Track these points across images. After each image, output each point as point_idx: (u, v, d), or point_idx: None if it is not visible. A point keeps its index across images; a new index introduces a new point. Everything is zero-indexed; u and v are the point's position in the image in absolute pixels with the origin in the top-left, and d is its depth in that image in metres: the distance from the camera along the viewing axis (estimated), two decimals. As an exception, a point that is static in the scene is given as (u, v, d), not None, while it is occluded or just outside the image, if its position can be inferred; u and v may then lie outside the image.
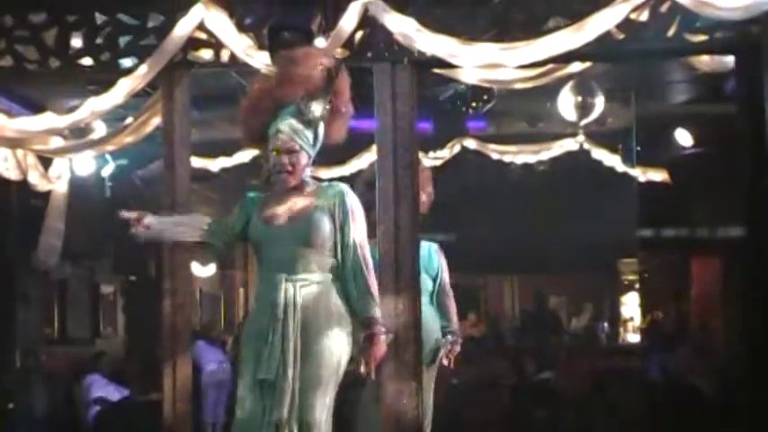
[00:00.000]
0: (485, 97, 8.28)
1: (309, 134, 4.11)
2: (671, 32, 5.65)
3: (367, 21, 5.87)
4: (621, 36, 5.70)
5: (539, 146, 9.64)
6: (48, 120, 6.58)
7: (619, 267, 13.86)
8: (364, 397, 5.71)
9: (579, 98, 8.39)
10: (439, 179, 6.11)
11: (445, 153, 9.29)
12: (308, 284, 4.05)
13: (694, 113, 9.18)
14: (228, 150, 8.94)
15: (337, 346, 4.04)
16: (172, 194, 6.06)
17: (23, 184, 7.45)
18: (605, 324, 14.00)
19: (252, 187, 4.41)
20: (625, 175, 9.57)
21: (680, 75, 8.36)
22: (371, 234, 4.93)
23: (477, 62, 5.85)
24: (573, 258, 11.30)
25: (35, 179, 7.39)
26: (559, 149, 9.50)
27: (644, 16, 5.67)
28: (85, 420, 9.19)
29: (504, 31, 5.83)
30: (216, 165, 9.08)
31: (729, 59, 6.08)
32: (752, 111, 5.72)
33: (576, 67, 6.52)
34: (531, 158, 9.74)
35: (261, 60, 5.85)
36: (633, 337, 13.41)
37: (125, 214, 4.13)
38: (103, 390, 9.26)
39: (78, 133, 7.19)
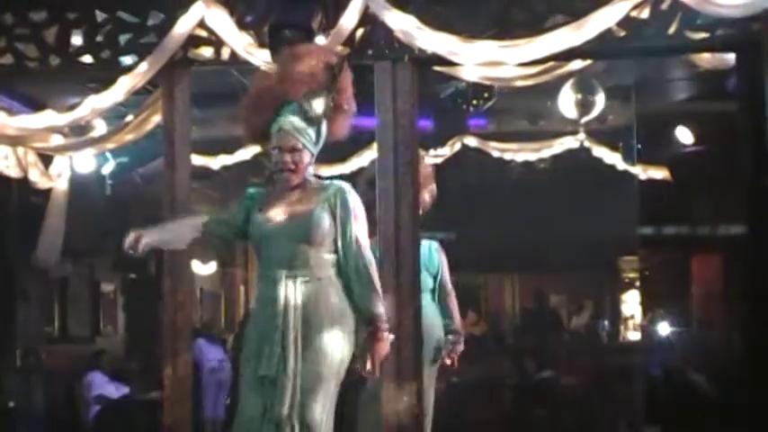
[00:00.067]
0: (485, 95, 8.27)
1: (312, 132, 4.11)
2: (672, 30, 5.64)
3: (368, 18, 5.86)
4: (622, 33, 5.69)
5: (539, 144, 9.62)
6: (48, 117, 6.58)
7: (619, 265, 13.87)
8: (364, 397, 5.70)
9: (580, 96, 8.39)
10: (439, 177, 6.11)
11: (446, 151, 9.27)
12: (308, 281, 4.04)
13: (695, 111, 9.18)
14: (229, 148, 8.93)
15: (338, 344, 4.04)
16: (172, 192, 6.05)
17: (24, 182, 7.45)
18: (606, 322, 14.01)
19: (252, 185, 4.40)
20: (626, 172, 9.56)
21: (681, 72, 8.36)
22: (372, 232, 4.92)
23: (478, 60, 5.85)
24: (573, 256, 11.30)
25: (35, 177, 7.39)
26: (560, 147, 9.49)
27: (645, 14, 5.66)
28: (86, 419, 9.20)
29: (505, 29, 5.82)
30: (216, 163, 9.06)
31: (730, 57, 6.06)
32: (753, 108, 5.71)
33: (577, 64, 6.51)
34: (532, 156, 9.72)
35: (261, 58, 5.85)
36: (634, 336, 13.42)
37: (126, 246, 4.09)
38: (104, 388, 9.27)
39: (79, 131, 7.19)
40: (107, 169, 8.39)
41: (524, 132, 9.83)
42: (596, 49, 5.81)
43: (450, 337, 5.74)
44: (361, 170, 7.69)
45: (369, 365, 4.05)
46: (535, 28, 5.75)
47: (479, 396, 9.37)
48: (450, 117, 8.72)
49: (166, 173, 6.12)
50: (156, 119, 6.37)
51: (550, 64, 6.21)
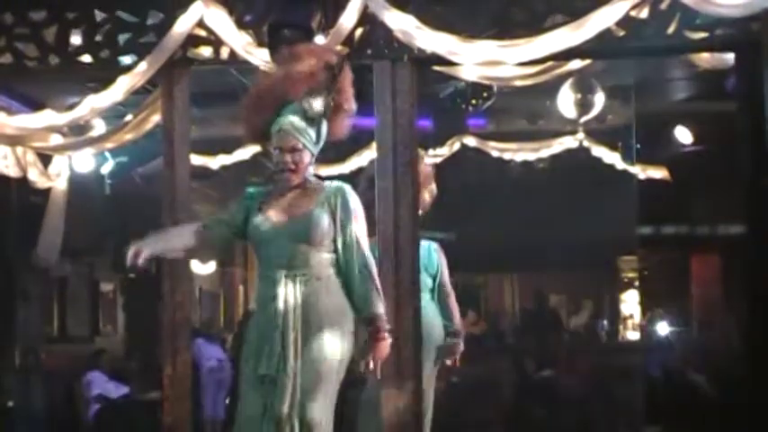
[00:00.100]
0: (485, 95, 8.27)
1: (312, 132, 4.11)
2: (671, 30, 5.64)
3: (367, 18, 5.86)
4: (622, 33, 5.69)
5: (538, 143, 9.63)
6: (47, 117, 6.58)
7: (618, 265, 13.85)
8: (364, 397, 5.70)
9: (579, 95, 8.38)
10: (438, 177, 6.11)
11: (445, 151, 9.27)
12: (308, 281, 4.04)
13: (694, 111, 9.18)
14: (228, 148, 8.93)
15: (338, 343, 4.04)
16: (171, 192, 6.05)
17: (23, 182, 7.45)
18: (605, 322, 14.01)
19: (252, 184, 4.40)
20: (625, 172, 9.56)
21: (680, 72, 8.36)
22: (371, 232, 4.92)
23: (477, 59, 5.85)
24: (573, 256, 11.29)
25: (35, 176, 7.39)
26: (559, 147, 9.49)
27: (644, 13, 5.66)
28: (85, 418, 9.20)
29: (505, 29, 5.82)
30: (216, 162, 9.06)
31: (729, 56, 6.06)
32: (752, 108, 5.70)
33: (576, 64, 6.51)
34: (531, 156, 9.73)
35: (260, 57, 5.85)
36: (633, 335, 13.41)
37: (129, 263, 4.06)
38: (103, 387, 9.27)
39: (78, 130, 7.19)
40: (106, 169, 8.38)
41: (523, 132, 9.84)
42: (595, 48, 5.81)
43: (449, 339, 5.74)
44: (360, 170, 7.69)
45: (370, 365, 4.05)
46: (534, 28, 5.75)
47: (479, 395, 9.35)
48: (450, 117, 8.72)
49: (166, 172, 6.11)
50: (156, 118, 6.36)
51: (550, 63, 6.21)
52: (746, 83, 5.82)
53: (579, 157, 9.52)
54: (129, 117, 6.65)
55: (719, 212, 9.78)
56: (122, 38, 6.24)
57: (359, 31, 5.92)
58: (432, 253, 5.85)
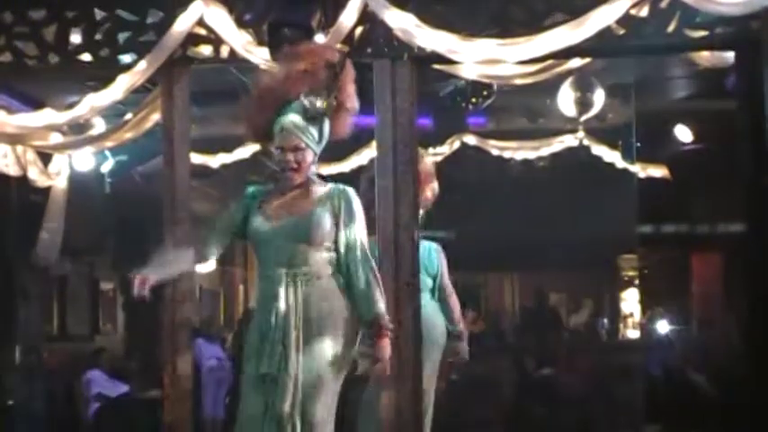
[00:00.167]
0: (485, 93, 8.26)
1: (314, 131, 4.10)
2: (671, 28, 5.64)
3: (367, 17, 5.86)
4: (621, 32, 5.69)
5: (538, 142, 9.62)
6: (47, 116, 6.58)
7: (618, 263, 13.86)
8: (364, 397, 5.69)
9: (579, 94, 8.37)
10: (439, 175, 6.10)
11: (445, 149, 9.27)
12: (308, 280, 4.04)
13: (694, 109, 9.17)
14: (228, 147, 8.93)
15: (339, 342, 4.04)
16: (171, 191, 6.05)
17: (23, 181, 7.45)
18: (605, 320, 14.02)
19: (252, 183, 4.40)
20: (625, 171, 9.55)
21: (680, 70, 8.35)
22: (371, 231, 4.92)
23: (477, 58, 5.84)
24: (573, 255, 11.29)
25: (35, 175, 7.39)
26: (559, 145, 9.48)
27: (644, 12, 5.66)
28: (85, 417, 9.20)
29: (505, 27, 5.82)
30: (216, 161, 9.06)
31: (729, 55, 6.06)
32: (752, 106, 5.70)
33: (576, 62, 6.50)
34: (531, 154, 9.72)
35: (260, 56, 5.85)
36: (633, 334, 13.42)
37: (136, 294, 4.05)
38: (103, 386, 9.27)
39: (78, 129, 7.18)
40: (106, 167, 8.38)
41: (524, 130, 9.83)
42: (595, 47, 5.81)
43: (451, 341, 5.74)
44: (360, 168, 7.68)
45: (377, 365, 4.05)
46: (534, 26, 5.75)
47: (479, 394, 9.35)
48: (450, 115, 8.71)
49: (165, 171, 6.11)
50: (156, 117, 6.36)
51: (550, 62, 6.21)
52: (746, 81, 5.82)
53: (579, 156, 9.52)
54: (128, 116, 6.65)
55: (719, 211, 9.77)
56: (122, 36, 6.23)
57: (359, 30, 5.91)
58: (432, 253, 5.84)
